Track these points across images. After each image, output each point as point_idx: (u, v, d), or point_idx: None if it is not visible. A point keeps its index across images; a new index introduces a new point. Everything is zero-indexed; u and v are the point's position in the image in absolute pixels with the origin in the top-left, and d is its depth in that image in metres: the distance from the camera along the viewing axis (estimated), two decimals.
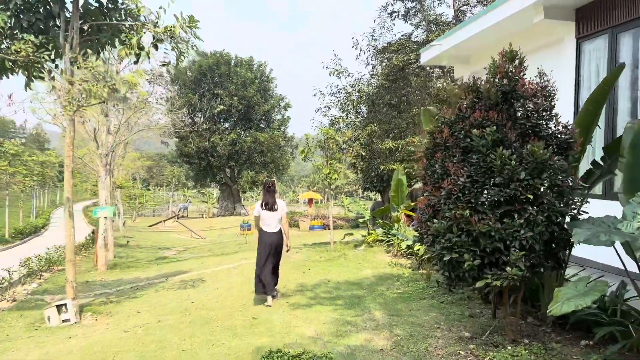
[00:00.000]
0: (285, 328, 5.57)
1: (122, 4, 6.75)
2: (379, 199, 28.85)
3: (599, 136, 6.32)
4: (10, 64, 6.37)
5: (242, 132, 43.87)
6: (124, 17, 6.78)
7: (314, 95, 21.06)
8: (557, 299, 3.98)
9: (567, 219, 4.67)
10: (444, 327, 5.39)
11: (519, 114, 4.77)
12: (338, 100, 20.52)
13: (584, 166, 5.68)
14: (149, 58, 6.50)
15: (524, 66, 4.75)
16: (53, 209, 43.92)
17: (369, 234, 11.84)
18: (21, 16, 6.41)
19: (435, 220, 4.51)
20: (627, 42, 6.27)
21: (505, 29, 8.04)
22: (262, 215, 7.03)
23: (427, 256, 8.14)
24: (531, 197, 4.19)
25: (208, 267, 11.01)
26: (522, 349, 4.47)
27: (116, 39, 6.68)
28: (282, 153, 45.57)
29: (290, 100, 46.26)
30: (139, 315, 6.66)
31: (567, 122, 4.85)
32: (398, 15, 19.87)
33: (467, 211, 4.23)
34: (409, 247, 9.08)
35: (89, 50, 6.88)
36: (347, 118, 20.67)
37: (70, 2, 6.38)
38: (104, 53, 7.10)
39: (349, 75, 20.22)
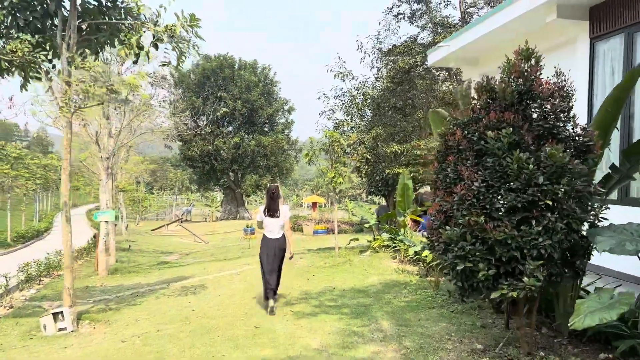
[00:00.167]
0: (289, 339, 5.33)
1: (122, 2, 6.57)
2: (383, 202, 28.61)
3: (613, 139, 6.08)
4: (6, 64, 6.18)
5: (246, 136, 43.74)
6: (123, 16, 6.59)
7: (318, 98, 20.90)
8: (579, 312, 3.74)
9: (585, 226, 4.44)
10: (455, 339, 5.14)
11: (535, 115, 4.54)
12: (342, 104, 20.33)
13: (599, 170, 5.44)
14: (148, 58, 6.31)
15: (541, 65, 4.52)
16: (56, 212, 43.81)
17: (374, 239, 11.59)
18: (18, 15, 6.24)
19: (447, 227, 4.27)
20: None
21: (515, 29, 7.82)
22: (264, 221, 6.89)
23: (435, 263, 7.90)
24: (550, 203, 3.95)
25: (210, 273, 10.79)
26: None
27: (115, 39, 6.49)
28: (286, 157, 45.41)
29: (294, 104, 46.16)
30: (137, 324, 6.43)
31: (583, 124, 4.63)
32: (404, 17, 19.67)
33: (482, 218, 3.99)
34: (416, 253, 8.83)
35: (87, 51, 6.70)
36: (351, 121, 20.47)
37: (68, 0, 6.19)
38: (103, 53, 6.91)
39: (353, 78, 20.04)
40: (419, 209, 11.81)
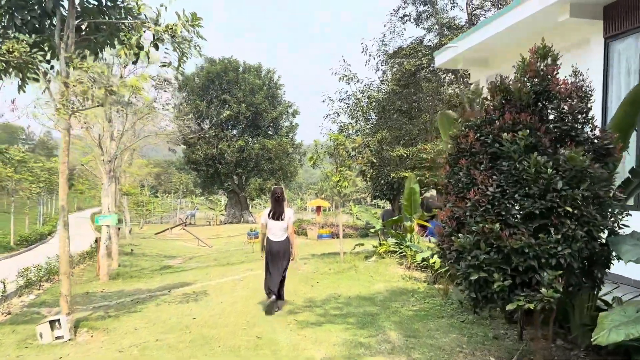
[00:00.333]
0: (293, 350, 5.11)
1: (122, 1, 6.39)
2: (388, 206, 28.32)
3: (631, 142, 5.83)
4: (3, 64, 6.01)
5: (250, 139, 43.59)
6: (123, 16, 6.42)
7: (323, 101, 20.69)
8: (602, 326, 3.50)
9: (603, 234, 4.20)
10: (467, 351, 4.90)
11: (551, 116, 4.31)
12: (347, 107, 20.12)
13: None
14: (148, 58, 6.12)
15: (558, 64, 4.30)
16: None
17: (380, 244, 11.35)
18: (15, 14, 6.07)
19: (459, 234, 4.04)
20: None
21: (527, 29, 7.59)
22: (268, 224, 6.96)
23: (443, 270, 7.65)
24: (570, 209, 3.71)
25: (213, 279, 10.59)
26: None
27: (115, 39, 6.31)
28: (290, 160, 45.20)
29: (298, 107, 46.00)
30: (136, 333, 6.22)
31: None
32: (410, 18, 19.47)
33: (497, 225, 3.76)
34: (423, 259, 8.58)
35: (87, 51, 6.52)
36: (356, 124, 20.26)
37: None
38: (103, 54, 6.73)
39: (358, 81, 19.83)
40: (425, 214, 11.56)
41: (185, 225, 38.25)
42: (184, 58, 6.44)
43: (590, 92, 4.36)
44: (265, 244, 7.08)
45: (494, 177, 3.92)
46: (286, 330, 5.89)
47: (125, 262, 17.26)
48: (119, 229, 23.34)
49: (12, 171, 22.80)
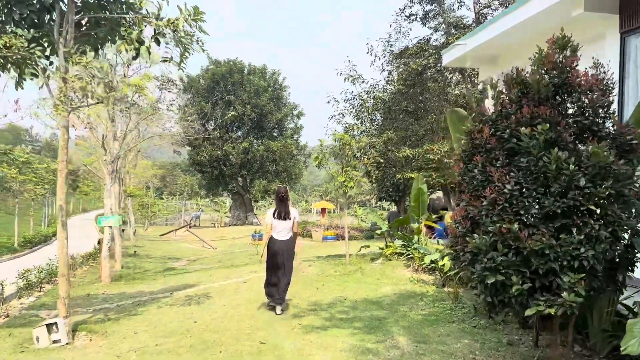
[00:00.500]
0: (298, 356, 4.89)
1: None
2: (393, 208, 28.04)
3: None
4: (1, 60, 5.85)
5: (255, 141, 43.45)
6: (125, 11, 6.24)
7: (328, 102, 20.51)
8: (632, 334, 3.27)
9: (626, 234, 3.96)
10: (480, 358, 4.67)
11: (570, 110, 4.09)
12: (353, 107, 19.91)
13: None
14: (149, 53, 5.94)
15: (578, 55, 4.07)
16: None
17: (386, 246, 11.11)
18: (13, 8, 5.91)
19: (475, 235, 3.81)
20: None
21: (539, 25, 7.35)
22: (273, 223, 6.92)
23: (453, 272, 7.41)
24: (594, 208, 3.48)
25: (216, 281, 10.38)
26: None
27: (116, 34, 6.13)
28: (295, 162, 45.02)
29: (303, 109, 45.82)
30: (136, 337, 6.02)
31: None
32: (416, 18, 19.25)
33: (516, 225, 3.53)
34: (432, 262, 8.33)
35: (87, 47, 6.35)
36: (361, 125, 20.05)
37: None
38: (103, 50, 6.56)
39: (363, 82, 19.63)
40: (433, 215, 11.32)
41: (190, 227, 38.12)
42: (186, 54, 6.26)
43: (612, 85, 4.14)
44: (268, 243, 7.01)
45: (512, 174, 3.70)
46: (290, 334, 5.67)
47: (129, 264, 17.10)
48: (123, 230, 23.22)
49: (16, 172, 22.71)
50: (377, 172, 19.32)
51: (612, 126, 4.10)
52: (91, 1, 6.25)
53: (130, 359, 5.07)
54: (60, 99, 5.66)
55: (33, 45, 5.82)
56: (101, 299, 9.48)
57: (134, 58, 6.06)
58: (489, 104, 4.60)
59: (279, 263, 6.84)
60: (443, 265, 7.78)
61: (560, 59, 4.05)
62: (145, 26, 6.01)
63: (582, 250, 3.48)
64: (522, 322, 5.64)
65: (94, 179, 33.69)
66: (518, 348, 4.97)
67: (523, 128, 3.69)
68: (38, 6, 6.02)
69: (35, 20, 6.06)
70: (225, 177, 42.59)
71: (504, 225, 3.57)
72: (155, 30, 5.91)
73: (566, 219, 3.56)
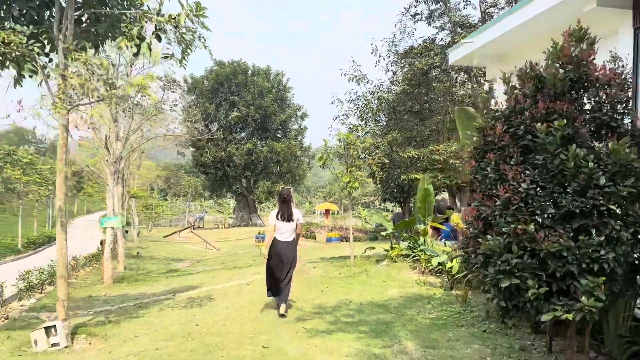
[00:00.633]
0: None
1: None
2: (397, 210, 27.81)
3: None
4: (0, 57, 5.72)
5: (259, 142, 43.31)
6: (125, 7, 6.11)
7: (332, 103, 20.34)
8: None
9: None
10: None
11: (587, 105, 3.91)
12: (357, 108, 19.73)
13: None
14: (150, 50, 5.80)
15: (595, 48, 3.90)
16: (70, 218, 43.81)
17: (391, 248, 10.92)
18: (13, 4, 5.79)
19: (487, 236, 3.64)
20: None
21: (549, 21, 7.14)
22: (277, 225, 6.89)
23: (461, 275, 7.23)
24: (614, 208, 3.31)
25: (219, 283, 10.23)
26: None
27: (116, 30, 6.00)
28: (299, 163, 44.83)
29: (307, 110, 45.65)
30: (136, 340, 5.88)
31: None
32: (421, 17, 19.06)
33: (532, 225, 3.36)
34: (439, 264, 8.14)
35: (87, 44, 6.22)
36: (365, 126, 19.87)
37: None
38: (103, 46, 6.43)
39: (368, 82, 19.45)
40: (439, 216, 11.13)
41: (194, 228, 38.03)
42: (188, 50, 6.12)
43: (630, 80, 3.97)
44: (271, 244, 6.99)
45: (527, 172, 3.53)
46: (294, 338, 5.51)
47: (132, 265, 16.97)
48: (126, 231, 23.13)
49: (20, 173, 22.66)
50: (381, 173, 19.13)
51: (631, 122, 3.93)
52: None
53: None
54: (59, 96, 5.53)
55: (32, 41, 5.69)
56: (102, 300, 9.36)
57: (135, 55, 5.92)
58: (500, 102, 4.44)
59: (281, 264, 6.82)
60: (451, 267, 7.59)
61: (576, 53, 3.88)
62: (146, 22, 5.88)
63: (602, 252, 3.31)
64: (534, 326, 5.46)
65: (98, 180, 33.67)
66: (531, 354, 4.79)
67: (539, 124, 3.52)
68: (37, 2, 5.91)
69: (35, 17, 5.95)
70: (229, 179, 42.46)
71: (519, 226, 3.40)
72: (156, 27, 5.77)
73: (585, 219, 3.39)
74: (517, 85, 4.00)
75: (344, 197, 10.25)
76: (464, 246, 4.00)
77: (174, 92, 18.46)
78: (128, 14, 6.00)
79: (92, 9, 6.08)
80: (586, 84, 3.81)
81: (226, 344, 5.37)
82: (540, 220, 3.43)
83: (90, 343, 5.99)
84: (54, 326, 5.87)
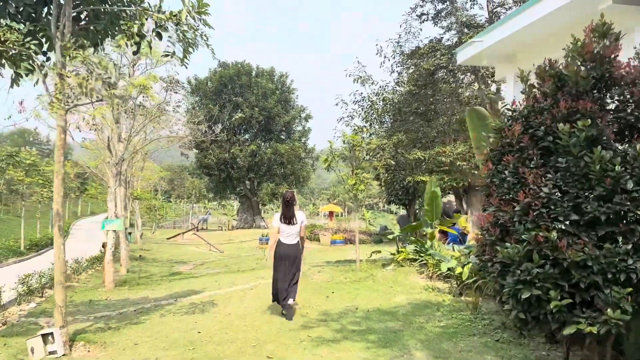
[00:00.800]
0: None
1: None
2: (402, 212, 27.59)
3: None
4: None
5: (262, 144, 43.14)
6: (125, 4, 5.93)
7: (336, 104, 20.13)
8: None
9: None
10: None
11: (611, 105, 3.70)
12: (362, 109, 19.51)
13: None
14: (150, 48, 5.62)
15: (619, 44, 3.68)
16: (74, 220, 43.73)
17: (398, 251, 10.70)
18: (9, 1, 5.62)
19: (506, 243, 3.43)
20: None
21: (562, 19, 6.92)
22: (281, 227, 6.80)
23: (471, 280, 7.01)
24: None
25: (222, 287, 10.03)
26: None
27: (115, 28, 5.81)
28: (303, 165, 44.63)
29: (310, 111, 45.48)
30: (136, 348, 5.69)
31: None
32: (427, 17, 18.83)
33: (554, 233, 3.14)
34: (449, 269, 7.91)
35: (85, 42, 6.04)
36: (370, 128, 19.65)
37: None
38: (103, 45, 6.24)
39: (372, 83, 19.23)
40: (447, 219, 10.89)
41: (197, 230, 37.88)
42: (190, 49, 5.93)
43: None
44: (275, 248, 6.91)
45: (548, 175, 3.31)
46: (299, 348, 5.30)
47: (135, 268, 16.80)
48: (129, 233, 22.97)
49: (23, 174, 22.57)
50: (386, 175, 18.90)
51: None
52: None
53: None
54: (56, 96, 5.35)
55: (29, 39, 5.51)
56: (103, 305, 9.18)
57: (134, 53, 5.75)
58: (516, 101, 4.22)
59: (285, 267, 6.72)
60: (460, 273, 7.36)
61: (599, 49, 3.66)
62: (146, 19, 5.69)
63: (630, 261, 3.09)
64: (550, 336, 5.23)
65: (102, 182, 33.57)
66: None
67: (562, 124, 3.30)
68: None
69: (32, 14, 5.76)
70: (232, 180, 42.30)
71: (540, 233, 3.19)
72: (156, 24, 5.59)
73: (611, 226, 3.17)
74: (536, 84, 3.78)
75: (349, 200, 10.05)
76: (479, 254, 3.78)
77: (177, 92, 18.31)
78: (128, 11, 5.82)
79: (91, 6, 5.90)
80: (610, 82, 3.59)
81: (228, 354, 5.17)
82: (563, 227, 3.21)
83: (89, 351, 5.80)
84: (52, 333, 5.68)
